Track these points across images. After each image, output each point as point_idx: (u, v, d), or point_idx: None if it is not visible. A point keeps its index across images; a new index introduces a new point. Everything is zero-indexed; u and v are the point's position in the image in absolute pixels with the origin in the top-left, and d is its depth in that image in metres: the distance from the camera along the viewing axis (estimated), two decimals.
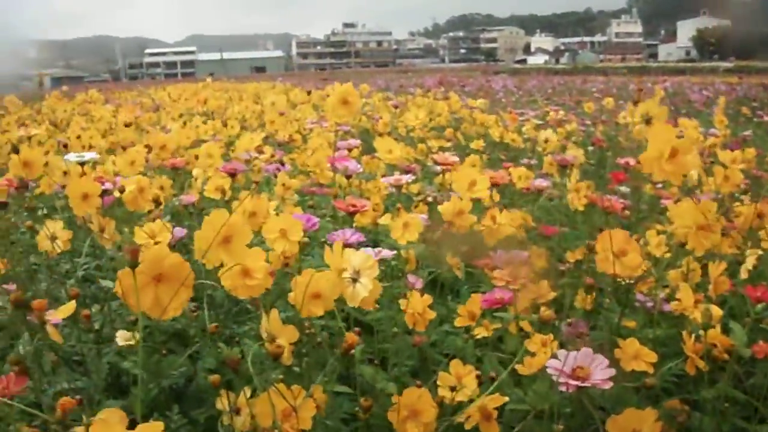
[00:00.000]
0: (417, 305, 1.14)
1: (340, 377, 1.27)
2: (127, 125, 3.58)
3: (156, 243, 1.31)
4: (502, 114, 4.77)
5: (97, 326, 1.47)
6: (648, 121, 1.55)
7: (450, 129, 4.29)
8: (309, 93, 7.56)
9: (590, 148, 3.59)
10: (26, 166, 1.57)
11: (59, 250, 1.44)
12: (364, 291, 0.98)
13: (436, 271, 1.66)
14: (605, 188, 2.67)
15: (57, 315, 0.89)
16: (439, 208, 1.35)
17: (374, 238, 1.85)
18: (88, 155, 2.00)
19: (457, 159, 2.00)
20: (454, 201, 1.34)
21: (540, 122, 4.49)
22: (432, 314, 1.17)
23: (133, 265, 0.76)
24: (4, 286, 1.40)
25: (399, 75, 48.81)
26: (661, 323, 1.38)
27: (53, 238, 1.43)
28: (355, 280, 0.98)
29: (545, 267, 1.34)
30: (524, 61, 77.60)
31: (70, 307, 0.90)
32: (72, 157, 2.00)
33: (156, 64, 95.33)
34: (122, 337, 1.25)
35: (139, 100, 6.56)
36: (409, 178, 1.74)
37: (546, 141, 2.20)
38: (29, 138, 2.94)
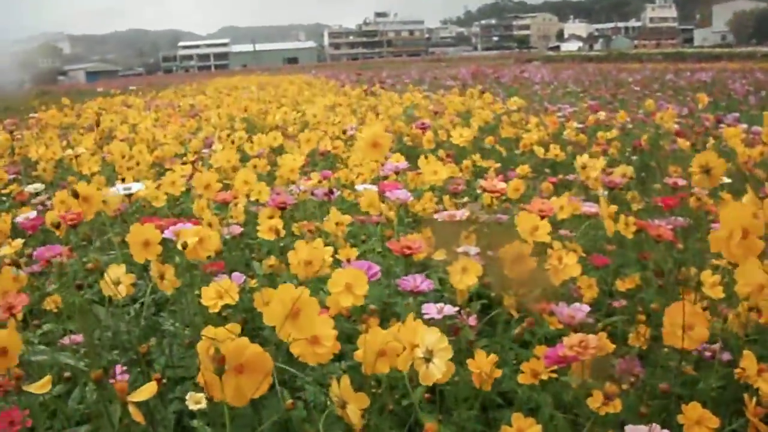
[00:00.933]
0: (484, 365, 1.14)
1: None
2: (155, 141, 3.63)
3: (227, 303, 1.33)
4: (542, 116, 4.73)
5: (158, 367, 1.50)
6: (707, 171, 1.54)
7: (490, 138, 4.28)
8: (343, 86, 7.61)
9: (633, 158, 3.55)
10: (85, 201, 1.60)
11: (123, 295, 1.47)
12: (438, 373, 0.99)
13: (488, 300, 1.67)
14: (650, 203, 2.65)
15: (140, 396, 0.92)
16: (501, 253, 1.36)
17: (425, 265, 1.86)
18: (135, 186, 2.04)
19: (505, 186, 2.00)
20: (515, 246, 1.34)
21: (580, 125, 4.46)
22: (499, 372, 1.18)
23: (220, 371, 0.79)
24: (73, 336, 1.43)
25: (432, 65, 48.77)
26: (718, 370, 1.37)
27: (117, 284, 1.46)
28: (428, 360, 1.00)
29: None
30: (558, 47, 76.92)
31: (151, 388, 0.92)
32: (120, 189, 2.03)
33: (189, 57, 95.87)
34: (193, 400, 1.28)
35: (177, 103, 6.60)
36: (462, 214, 1.75)
37: (584, 167, 2.19)
38: (76, 157, 2.99)
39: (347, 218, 1.80)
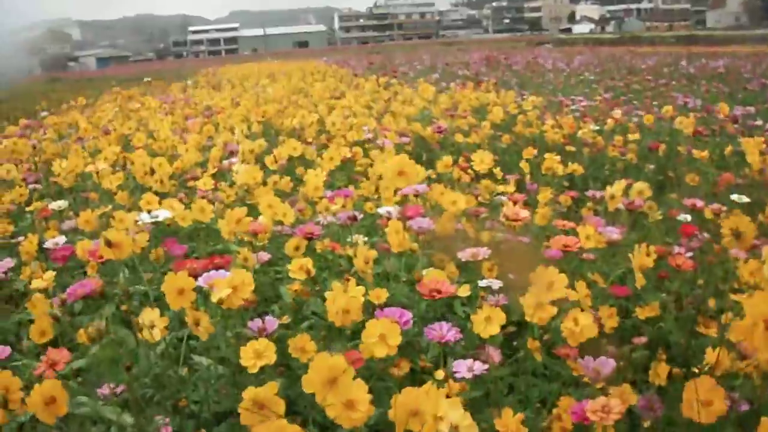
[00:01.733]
0: (511, 425, 1.17)
1: None
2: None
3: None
4: (558, 117, 4.73)
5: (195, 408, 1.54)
6: (738, 235, 1.55)
7: (506, 136, 4.30)
8: (356, 75, 7.58)
9: (651, 165, 3.55)
10: (117, 248, 1.63)
11: (158, 338, 1.50)
12: None
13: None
14: (668, 216, 2.66)
15: None
16: (521, 301, 1.38)
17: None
18: (162, 214, 2.06)
19: (527, 214, 2.03)
20: (533, 296, 1.37)
21: (597, 128, 4.46)
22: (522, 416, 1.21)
23: None
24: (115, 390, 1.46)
25: (443, 48, 48.53)
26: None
27: (152, 326, 1.50)
28: None
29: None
30: (569, 30, 76.45)
31: None
32: (146, 217, 2.06)
33: (200, 42, 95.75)
34: None
35: (193, 101, 6.62)
36: (485, 253, 1.77)
37: (612, 198, 2.20)
38: (97, 173, 3.02)
39: (374, 253, 1.82)
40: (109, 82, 28.35)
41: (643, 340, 1.68)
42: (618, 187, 2.30)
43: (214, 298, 1.39)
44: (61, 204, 2.78)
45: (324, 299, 1.82)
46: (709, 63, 14.91)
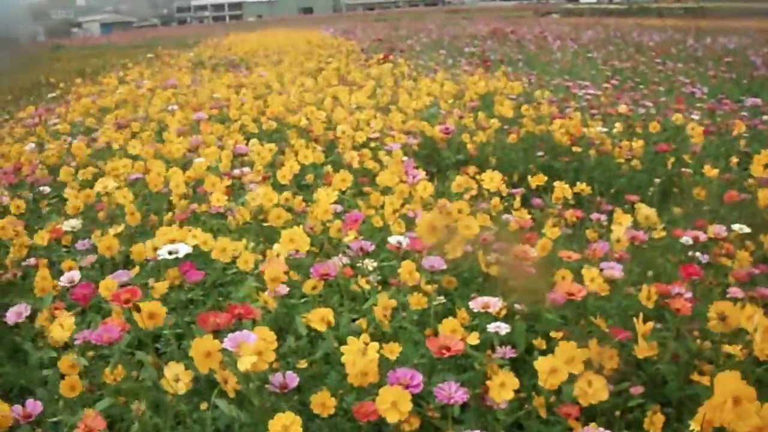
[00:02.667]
0: None
1: None
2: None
3: None
4: (566, 116, 4.74)
5: None
6: (723, 318, 1.60)
7: (513, 135, 4.32)
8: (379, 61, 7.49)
9: (656, 181, 3.56)
10: (151, 318, 1.69)
11: (182, 392, 1.56)
12: None
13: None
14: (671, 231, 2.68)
15: None
16: (536, 364, 1.43)
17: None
18: (183, 249, 2.10)
19: (536, 253, 2.07)
20: (549, 361, 1.41)
21: (605, 129, 4.47)
22: None
23: None
24: None
25: (449, 17, 48.12)
26: None
27: (177, 380, 1.55)
28: None
29: None
30: None
31: None
32: (164, 252, 2.10)
33: (204, 7, 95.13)
34: None
35: (199, 89, 6.61)
36: (497, 303, 1.82)
37: (618, 241, 2.24)
38: (107, 194, 3.04)
39: (393, 303, 1.86)
40: (113, 52, 28.33)
41: (640, 390, 1.74)
42: (620, 230, 2.33)
43: (241, 367, 1.44)
44: (74, 224, 2.81)
45: (339, 340, 1.89)
46: (717, 41, 14.83)
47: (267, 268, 1.94)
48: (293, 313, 2.15)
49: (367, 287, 2.15)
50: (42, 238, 2.76)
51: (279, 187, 3.06)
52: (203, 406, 1.67)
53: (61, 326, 1.76)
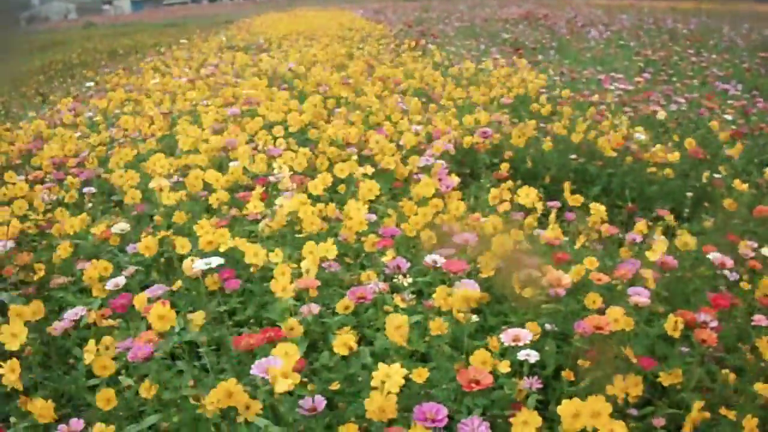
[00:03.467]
0: None
1: None
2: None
3: None
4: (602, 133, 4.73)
5: None
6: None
7: (548, 142, 4.33)
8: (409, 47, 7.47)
9: (689, 194, 3.56)
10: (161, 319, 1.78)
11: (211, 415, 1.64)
12: None
13: None
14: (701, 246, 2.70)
15: None
16: (559, 410, 1.48)
17: None
18: (215, 261, 2.19)
19: (569, 281, 2.11)
20: (572, 405, 1.46)
21: (643, 137, 4.46)
22: None
23: None
24: None
25: None
26: None
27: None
28: None
29: None
30: None
31: None
32: (200, 264, 2.18)
33: None
34: None
35: (231, 81, 6.65)
36: (527, 336, 1.86)
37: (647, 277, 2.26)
38: (159, 190, 3.13)
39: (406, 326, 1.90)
40: (144, 31, 28.44)
41: (662, 422, 1.79)
42: (654, 255, 2.36)
43: (279, 390, 1.53)
44: (123, 227, 2.90)
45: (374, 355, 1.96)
46: (753, 29, 14.64)
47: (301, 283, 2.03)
48: (327, 329, 2.22)
49: (402, 305, 2.21)
50: (98, 229, 2.88)
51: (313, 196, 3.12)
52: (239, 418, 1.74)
53: (106, 348, 1.87)
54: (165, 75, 7.95)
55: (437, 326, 1.87)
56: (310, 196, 2.95)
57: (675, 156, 3.87)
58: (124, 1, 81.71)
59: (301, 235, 2.67)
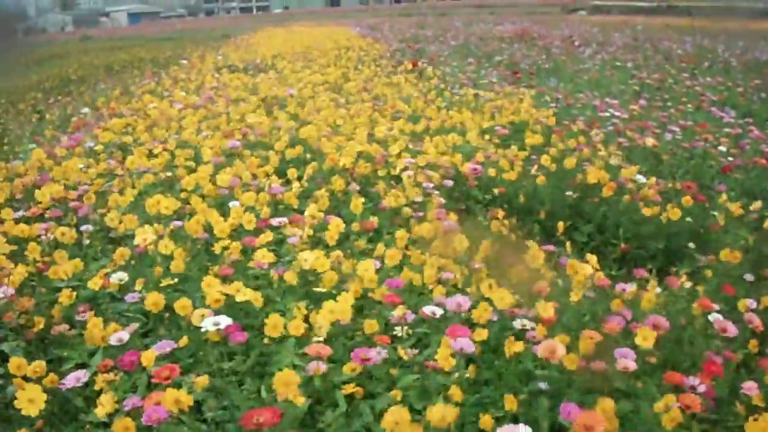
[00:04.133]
0: None
1: None
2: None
3: None
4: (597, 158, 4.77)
5: None
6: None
7: (541, 177, 4.36)
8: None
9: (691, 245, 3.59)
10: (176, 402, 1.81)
11: None
12: None
13: None
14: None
15: None
16: None
17: None
18: (224, 322, 2.22)
19: (563, 351, 2.12)
20: None
21: (641, 178, 4.47)
22: None
23: None
24: None
25: (476, 12, 47.88)
26: None
27: None
28: None
29: None
30: None
31: None
32: (209, 324, 2.22)
33: None
34: None
35: (230, 108, 6.68)
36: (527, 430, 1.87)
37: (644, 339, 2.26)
38: (160, 238, 3.15)
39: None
40: (141, 45, 28.49)
41: None
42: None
43: None
44: (121, 276, 2.92)
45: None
46: (747, 50, 14.75)
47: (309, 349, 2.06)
48: (333, 384, 2.25)
49: (405, 357, 2.24)
50: (95, 284, 2.87)
51: (323, 244, 3.15)
52: None
53: (102, 405, 1.90)
54: (162, 98, 7.97)
55: (438, 417, 1.84)
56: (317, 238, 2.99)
57: (676, 213, 3.85)
58: (121, 14, 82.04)
59: (318, 290, 2.69)
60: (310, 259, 2.72)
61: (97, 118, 7.49)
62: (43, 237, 3.58)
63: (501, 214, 3.72)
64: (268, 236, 3.10)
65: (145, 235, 3.12)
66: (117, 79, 15.33)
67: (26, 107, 11.85)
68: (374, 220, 3.46)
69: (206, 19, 70.62)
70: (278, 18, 55.31)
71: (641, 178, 4.39)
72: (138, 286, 2.87)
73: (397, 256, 2.88)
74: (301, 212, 3.63)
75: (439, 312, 2.39)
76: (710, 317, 2.53)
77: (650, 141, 5.31)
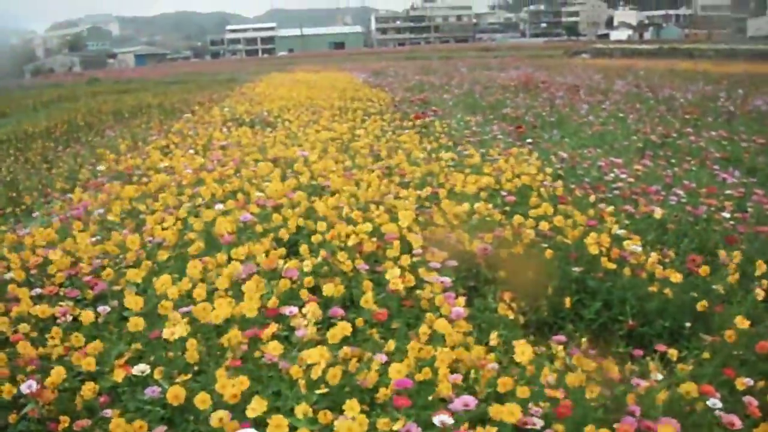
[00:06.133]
0: None
1: None
2: None
3: None
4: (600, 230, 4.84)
5: None
6: None
7: (549, 250, 4.42)
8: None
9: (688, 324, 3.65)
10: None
11: None
12: None
13: None
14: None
15: None
16: None
17: None
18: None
19: None
20: None
21: (638, 248, 4.53)
22: None
23: None
24: None
25: (480, 55, 48.29)
26: None
27: None
28: None
29: None
30: (607, 36, 76.12)
31: None
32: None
33: (237, 41, 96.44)
34: None
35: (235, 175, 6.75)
36: None
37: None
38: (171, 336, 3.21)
39: None
40: (148, 89, 28.81)
41: None
42: None
43: None
44: (143, 368, 2.98)
45: None
46: (749, 97, 14.90)
47: None
48: None
49: None
50: (117, 375, 2.95)
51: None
52: None
53: None
54: (171, 157, 8.08)
55: None
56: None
57: (677, 277, 3.94)
58: (128, 55, 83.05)
59: (320, 391, 2.75)
60: (313, 356, 2.78)
61: (109, 178, 7.60)
62: (60, 319, 3.65)
63: (509, 296, 3.77)
64: (273, 327, 3.15)
65: (173, 330, 3.16)
66: (125, 125, 15.53)
67: (35, 156, 11.99)
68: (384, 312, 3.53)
69: (212, 62, 71.41)
70: (283, 62, 55.92)
71: (640, 249, 4.47)
72: (157, 375, 2.95)
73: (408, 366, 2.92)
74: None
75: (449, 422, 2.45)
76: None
77: (658, 212, 5.38)
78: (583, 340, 3.38)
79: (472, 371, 2.92)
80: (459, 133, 10.21)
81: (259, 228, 4.79)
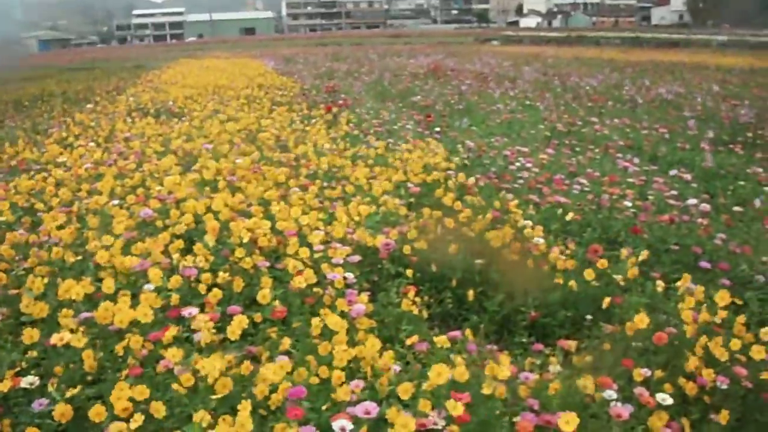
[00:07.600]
0: None
1: None
2: None
3: None
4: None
5: None
6: None
7: (454, 245, 4.41)
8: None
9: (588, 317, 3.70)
10: None
11: None
12: None
13: None
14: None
15: None
16: None
17: None
18: None
19: None
20: None
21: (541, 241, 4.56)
22: None
23: None
24: None
25: (390, 42, 48.30)
26: None
27: None
28: None
29: None
30: (516, 23, 77.28)
31: None
32: None
33: (144, 26, 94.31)
34: None
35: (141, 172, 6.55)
36: None
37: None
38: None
39: None
40: (51, 77, 27.77)
41: None
42: None
43: None
44: (32, 380, 2.85)
45: None
46: (653, 86, 15.30)
47: None
48: None
49: None
50: (4, 386, 2.80)
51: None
52: None
53: None
54: (71, 149, 7.78)
55: None
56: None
57: (574, 266, 3.99)
58: (31, 40, 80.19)
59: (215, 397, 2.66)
60: (207, 366, 2.69)
61: (4, 174, 7.28)
62: None
63: (412, 292, 3.74)
64: (173, 331, 3.05)
65: (63, 336, 3.03)
66: (26, 115, 14.92)
67: None
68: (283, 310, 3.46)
69: (119, 48, 69.55)
70: (192, 47, 54.72)
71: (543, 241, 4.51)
72: (50, 387, 2.82)
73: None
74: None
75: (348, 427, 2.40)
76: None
77: (559, 200, 5.44)
78: (470, 335, 3.33)
79: (371, 369, 2.88)
80: (367, 124, 10.15)
81: (159, 223, 4.65)
